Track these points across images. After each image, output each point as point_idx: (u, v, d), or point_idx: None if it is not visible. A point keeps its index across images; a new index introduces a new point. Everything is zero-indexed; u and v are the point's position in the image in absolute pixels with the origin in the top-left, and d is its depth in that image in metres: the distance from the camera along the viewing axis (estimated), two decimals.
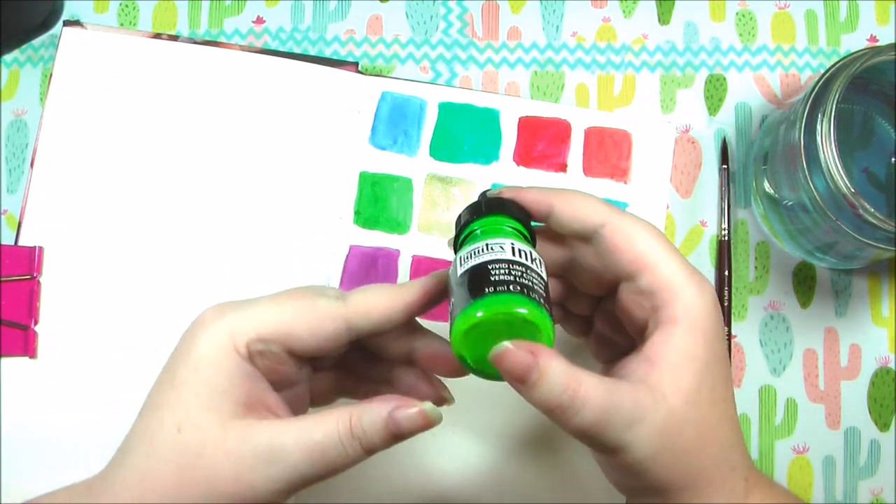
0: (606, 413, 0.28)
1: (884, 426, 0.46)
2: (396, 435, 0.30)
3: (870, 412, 0.46)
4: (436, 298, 0.32)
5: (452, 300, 0.30)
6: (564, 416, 0.28)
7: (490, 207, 0.33)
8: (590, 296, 0.36)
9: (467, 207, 0.33)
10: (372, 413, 0.29)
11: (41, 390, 0.46)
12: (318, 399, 0.36)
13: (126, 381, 0.46)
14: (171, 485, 0.29)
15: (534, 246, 0.33)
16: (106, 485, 0.30)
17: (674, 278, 0.31)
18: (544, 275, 0.31)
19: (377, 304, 0.31)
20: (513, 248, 0.30)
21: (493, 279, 0.28)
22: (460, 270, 0.30)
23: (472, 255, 0.30)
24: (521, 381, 0.28)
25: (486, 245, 0.30)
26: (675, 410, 0.29)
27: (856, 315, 0.47)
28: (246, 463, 0.29)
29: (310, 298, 0.31)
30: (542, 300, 0.28)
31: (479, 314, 0.27)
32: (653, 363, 0.30)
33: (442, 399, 0.34)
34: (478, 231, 0.32)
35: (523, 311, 0.27)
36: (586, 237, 0.32)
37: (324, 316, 0.31)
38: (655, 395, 0.29)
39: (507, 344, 0.27)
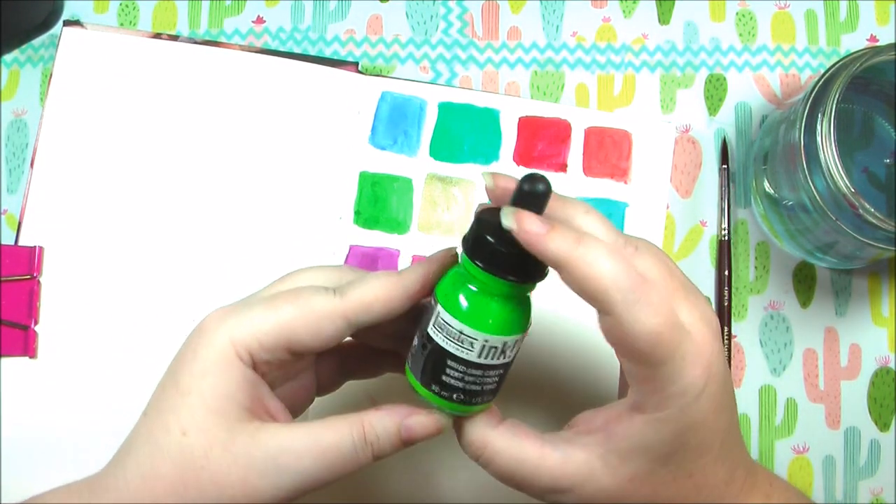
0: (517, 477, 0.31)
1: (884, 426, 0.46)
2: (408, 442, 0.30)
3: (870, 412, 0.46)
4: (436, 283, 0.32)
5: (422, 327, 0.31)
6: (482, 467, 0.32)
7: (500, 267, 0.29)
8: None
9: (485, 232, 0.29)
10: (385, 421, 0.30)
11: (41, 390, 0.46)
12: (325, 384, 0.36)
13: (126, 382, 0.46)
14: (175, 487, 0.29)
15: (537, 279, 0.31)
16: (107, 484, 0.30)
17: (662, 375, 0.28)
18: (510, 358, 0.31)
19: (377, 297, 0.31)
20: (483, 348, 0.30)
21: (443, 380, 0.30)
22: (429, 328, 0.30)
23: (444, 331, 0.30)
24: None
25: (461, 335, 0.29)
26: (609, 489, 0.30)
27: (856, 315, 0.47)
28: (256, 467, 0.29)
29: (306, 298, 0.31)
30: (482, 399, 0.31)
31: (423, 397, 0.31)
32: (607, 439, 0.30)
33: None
34: (474, 289, 0.30)
35: (455, 413, 0.31)
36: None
37: (323, 316, 0.31)
38: (593, 468, 0.30)
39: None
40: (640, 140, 0.48)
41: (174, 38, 0.49)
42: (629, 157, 0.48)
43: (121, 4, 0.50)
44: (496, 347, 0.30)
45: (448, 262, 0.32)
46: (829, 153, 0.38)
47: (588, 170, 0.48)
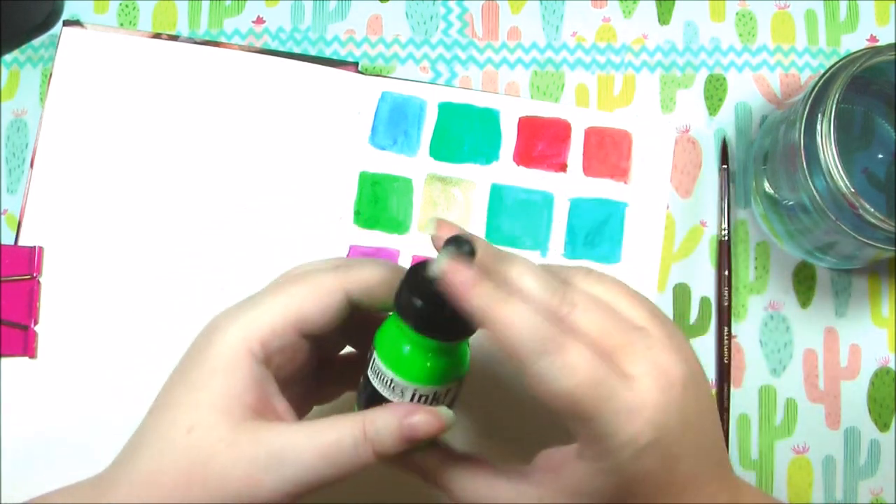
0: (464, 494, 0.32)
1: (884, 426, 0.46)
2: (410, 438, 0.30)
3: (870, 412, 0.46)
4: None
5: (364, 367, 0.32)
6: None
7: (428, 327, 0.30)
8: None
9: (414, 289, 0.30)
10: (386, 417, 0.30)
11: (41, 390, 0.46)
12: (327, 392, 0.37)
13: (127, 381, 0.46)
14: (180, 484, 0.29)
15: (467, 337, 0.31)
16: (113, 483, 0.30)
17: (593, 430, 0.28)
18: (446, 403, 0.32)
19: (373, 275, 0.32)
20: (414, 395, 0.31)
21: None
22: (368, 371, 0.32)
23: (379, 377, 0.31)
24: None
25: (392, 382, 0.31)
26: None
27: (856, 315, 0.47)
28: (259, 463, 0.29)
29: (312, 277, 0.32)
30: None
31: None
32: (557, 479, 0.30)
33: None
34: (405, 343, 0.31)
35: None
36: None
37: (329, 291, 0.31)
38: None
39: None
40: (640, 140, 0.48)
41: (174, 38, 0.49)
42: (629, 157, 0.48)
43: (121, 4, 0.50)
44: (426, 396, 0.31)
45: None
46: (829, 153, 0.38)
47: (588, 170, 0.48)
